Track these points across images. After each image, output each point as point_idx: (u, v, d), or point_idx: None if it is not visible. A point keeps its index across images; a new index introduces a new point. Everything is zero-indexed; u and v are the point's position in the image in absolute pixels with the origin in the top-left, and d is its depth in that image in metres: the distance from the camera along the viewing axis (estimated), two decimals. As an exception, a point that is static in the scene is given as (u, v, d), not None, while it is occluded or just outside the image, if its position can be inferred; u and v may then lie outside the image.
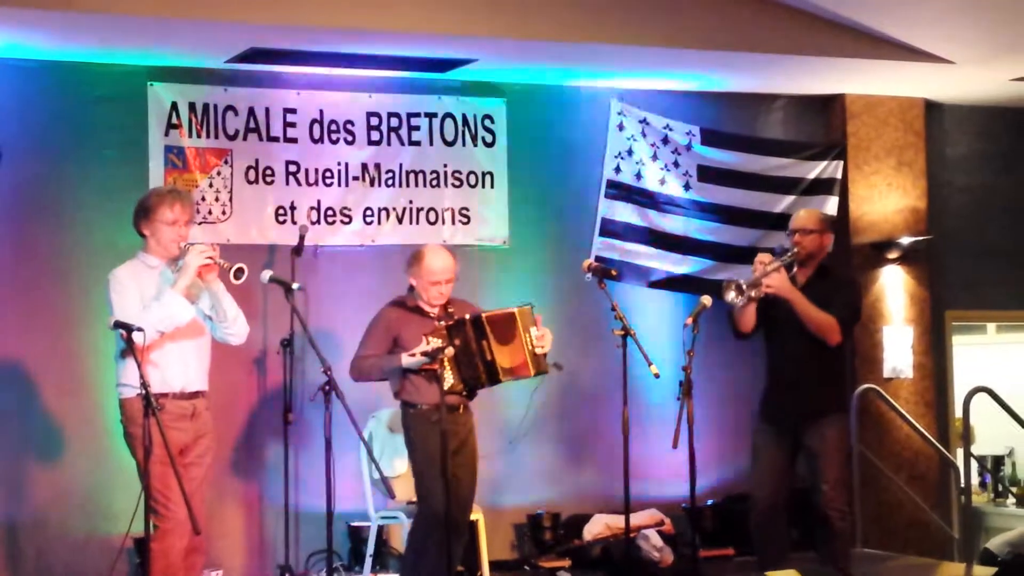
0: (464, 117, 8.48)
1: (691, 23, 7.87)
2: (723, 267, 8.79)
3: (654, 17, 7.80)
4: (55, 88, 7.63)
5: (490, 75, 8.38)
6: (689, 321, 6.42)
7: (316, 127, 8.12)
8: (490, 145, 8.53)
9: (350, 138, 8.20)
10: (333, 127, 8.17)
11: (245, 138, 7.96)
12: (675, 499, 8.32)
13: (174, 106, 7.79)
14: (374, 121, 8.27)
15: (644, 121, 8.76)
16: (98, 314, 6.85)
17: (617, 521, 7.98)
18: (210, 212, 7.85)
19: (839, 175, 9.12)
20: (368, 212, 8.21)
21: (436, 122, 8.41)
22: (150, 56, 7.64)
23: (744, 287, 6.73)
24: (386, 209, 8.25)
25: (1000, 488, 9.83)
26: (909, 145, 9.40)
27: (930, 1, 7.67)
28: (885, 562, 8.25)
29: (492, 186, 8.53)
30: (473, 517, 7.13)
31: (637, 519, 8.07)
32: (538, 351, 6.65)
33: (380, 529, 7.53)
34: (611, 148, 8.68)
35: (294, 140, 8.08)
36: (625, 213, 8.71)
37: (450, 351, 6.47)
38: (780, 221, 8.42)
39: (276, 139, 8.04)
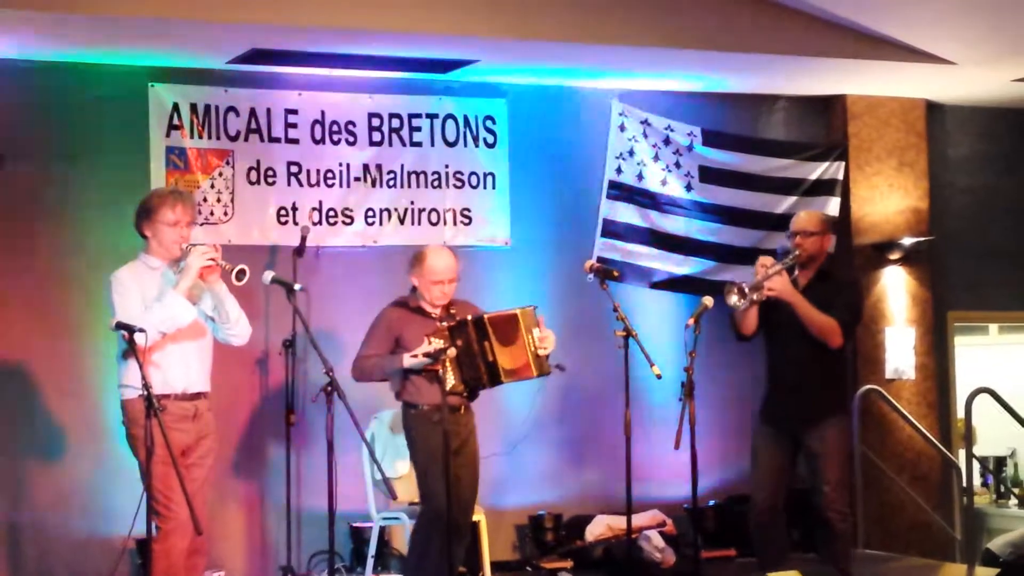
0: (465, 118, 8.48)
1: (692, 24, 7.87)
2: (725, 268, 8.79)
3: (655, 18, 7.80)
4: (56, 89, 7.63)
5: (491, 75, 8.38)
6: (691, 322, 6.42)
7: (317, 128, 8.12)
8: (491, 146, 8.53)
9: (351, 139, 8.20)
10: (334, 128, 8.17)
11: (247, 139, 7.96)
12: (677, 500, 8.32)
13: (175, 107, 7.79)
14: (375, 122, 8.27)
15: (645, 122, 8.76)
16: (100, 315, 6.86)
17: (619, 522, 7.98)
18: (212, 213, 7.85)
19: (840, 176, 9.11)
20: (370, 213, 8.21)
21: (437, 123, 8.41)
22: (151, 57, 7.64)
23: (746, 290, 6.73)
24: (387, 210, 8.25)
25: (1002, 489, 9.82)
26: (911, 146, 9.40)
27: (931, 2, 7.66)
28: (887, 563, 8.26)
29: (493, 187, 8.53)
30: (475, 518, 7.12)
31: (639, 520, 8.07)
32: (541, 352, 6.64)
33: (382, 530, 7.52)
34: (612, 149, 8.68)
35: (295, 141, 8.08)
36: (627, 214, 8.71)
37: (452, 352, 6.46)
38: (782, 222, 8.41)
39: (278, 140, 8.04)
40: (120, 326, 5.74)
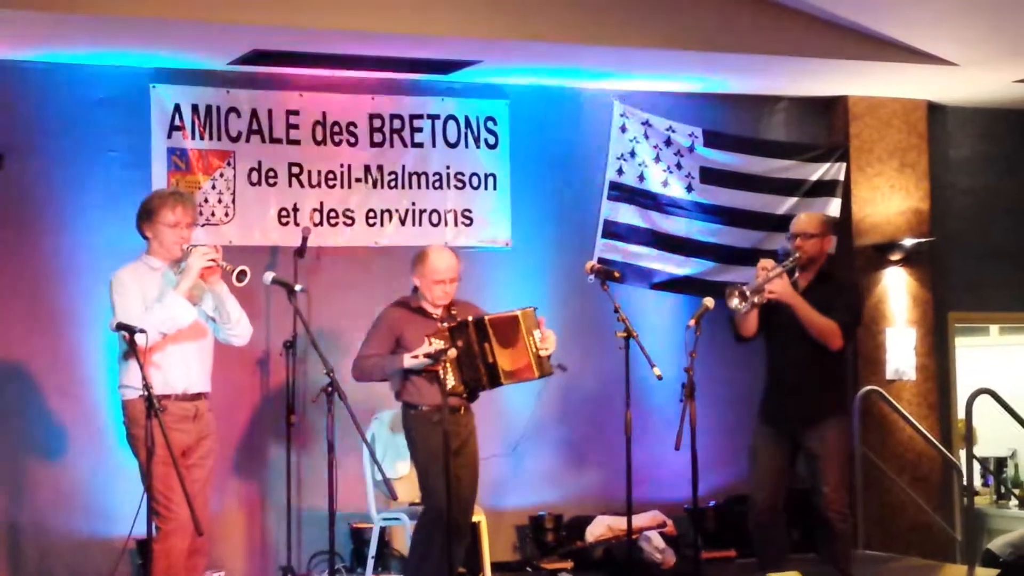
0: (467, 119, 8.48)
1: (693, 25, 7.87)
2: (726, 269, 8.79)
3: (656, 19, 7.80)
4: (58, 90, 7.63)
5: (493, 77, 8.38)
6: (692, 323, 6.43)
7: (319, 129, 8.13)
8: (493, 147, 8.54)
9: (353, 140, 8.20)
10: (336, 129, 8.17)
11: (248, 140, 7.96)
12: (677, 501, 8.32)
13: (177, 108, 7.80)
14: (377, 123, 8.27)
15: (646, 123, 8.76)
16: (100, 316, 6.86)
17: (619, 523, 7.98)
18: (213, 214, 7.86)
19: (842, 177, 9.11)
20: (371, 214, 8.22)
21: (439, 124, 8.42)
22: (153, 58, 7.65)
23: (747, 293, 6.73)
24: (389, 211, 8.26)
25: (1003, 490, 9.82)
26: (912, 147, 9.40)
27: (933, 3, 7.66)
28: (887, 564, 8.26)
29: (495, 188, 8.53)
30: (475, 519, 7.13)
31: (639, 521, 8.07)
32: (542, 353, 6.65)
33: (382, 530, 7.52)
34: (613, 150, 8.68)
35: (297, 142, 8.08)
36: (628, 215, 8.71)
37: (453, 352, 6.47)
38: (783, 223, 8.40)
39: (279, 141, 8.05)
40: (121, 327, 5.74)
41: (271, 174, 8.01)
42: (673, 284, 8.81)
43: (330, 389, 6.07)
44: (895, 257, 9.22)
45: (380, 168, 8.25)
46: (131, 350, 5.74)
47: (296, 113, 8.08)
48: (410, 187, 8.32)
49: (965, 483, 8.64)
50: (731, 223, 8.89)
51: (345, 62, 7.86)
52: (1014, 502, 9.66)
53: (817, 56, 8.17)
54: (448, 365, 6.49)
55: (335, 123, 8.17)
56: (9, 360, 7.49)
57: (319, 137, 8.12)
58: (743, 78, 8.70)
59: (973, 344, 10.26)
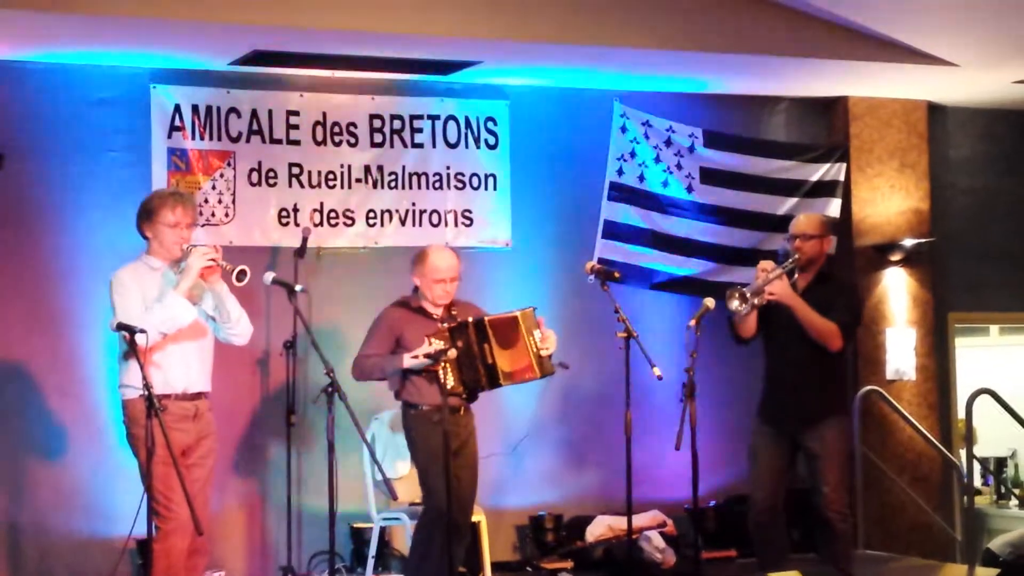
0: (467, 119, 8.48)
1: (694, 26, 7.87)
2: (726, 269, 8.79)
3: (656, 20, 7.80)
4: (58, 90, 7.63)
5: (493, 77, 8.38)
6: (692, 323, 6.44)
7: (319, 129, 8.13)
8: (493, 147, 8.54)
9: (353, 140, 8.21)
10: (336, 129, 8.17)
11: (248, 140, 7.97)
12: (677, 500, 8.32)
13: (177, 108, 7.80)
14: (377, 123, 8.27)
15: (647, 123, 8.75)
16: (100, 316, 6.87)
17: (619, 522, 7.98)
18: (213, 214, 7.86)
19: (842, 177, 9.10)
20: (371, 214, 8.22)
21: (439, 124, 8.42)
22: (153, 58, 7.65)
23: (748, 295, 6.74)
24: (389, 211, 8.26)
25: (1003, 490, 9.82)
26: (912, 147, 9.40)
27: (933, 3, 7.67)
28: (888, 564, 8.26)
29: (495, 188, 8.53)
30: (475, 518, 7.14)
31: (639, 521, 8.07)
32: (543, 353, 6.66)
33: (382, 530, 7.53)
34: (614, 150, 8.67)
35: (297, 142, 8.08)
36: (628, 215, 8.71)
37: (453, 353, 6.47)
38: (783, 223, 8.39)
39: (279, 141, 8.05)
40: (121, 327, 5.75)
41: (271, 174, 8.01)
42: (673, 284, 8.81)
43: (330, 389, 6.07)
44: (895, 257, 9.22)
45: (380, 168, 8.25)
46: (131, 350, 5.74)
47: (296, 113, 8.08)
48: (410, 187, 8.33)
49: (965, 483, 8.63)
50: (731, 223, 8.88)
51: (345, 63, 7.86)
52: (1014, 502, 9.66)
53: (817, 56, 8.17)
54: (447, 366, 6.50)
55: (335, 123, 8.17)
56: (9, 360, 7.50)
57: (319, 137, 8.13)
58: (743, 78, 8.71)
59: (973, 344, 10.26)
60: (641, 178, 8.74)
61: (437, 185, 8.39)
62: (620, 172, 8.69)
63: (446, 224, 8.39)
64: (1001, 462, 9.94)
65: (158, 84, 7.77)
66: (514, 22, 7.52)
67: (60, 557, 7.50)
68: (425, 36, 7.41)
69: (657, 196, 8.77)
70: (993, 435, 9.58)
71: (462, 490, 6.63)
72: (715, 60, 8.10)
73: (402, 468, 7.51)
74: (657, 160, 8.76)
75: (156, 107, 7.77)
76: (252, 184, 7.97)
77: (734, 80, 8.75)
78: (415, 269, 6.75)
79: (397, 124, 8.32)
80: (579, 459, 8.67)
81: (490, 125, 8.54)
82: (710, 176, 8.87)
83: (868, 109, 9.26)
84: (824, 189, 9.06)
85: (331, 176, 8.14)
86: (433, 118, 8.40)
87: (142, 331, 5.70)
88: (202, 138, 7.85)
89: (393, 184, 8.28)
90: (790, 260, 6.89)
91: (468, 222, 8.44)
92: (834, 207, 9.03)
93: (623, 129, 8.70)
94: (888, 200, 9.31)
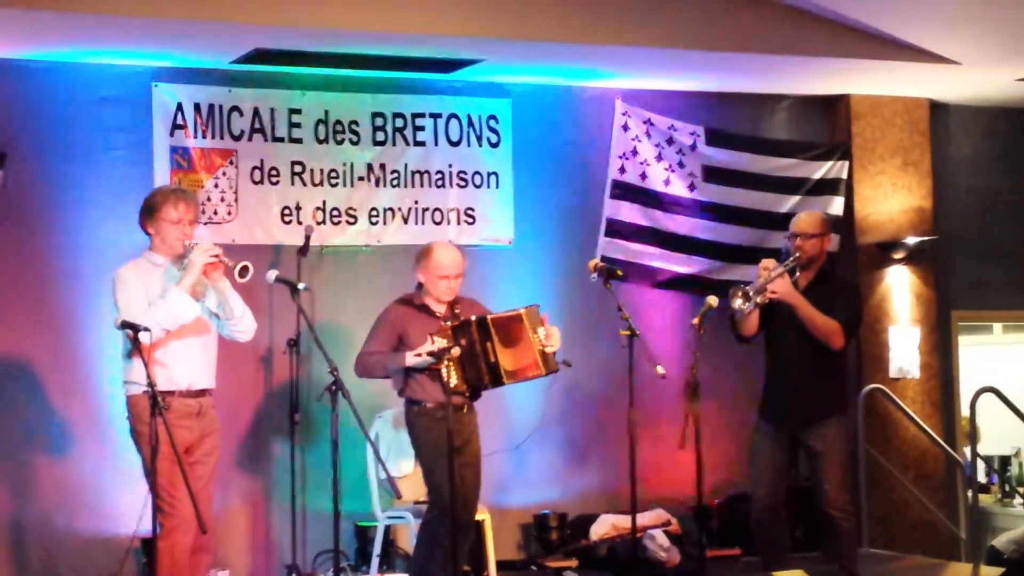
0: (469, 117, 8.48)
1: (696, 24, 7.87)
2: (728, 267, 8.79)
3: (658, 18, 7.80)
4: (60, 89, 7.63)
5: (495, 75, 8.38)
6: (695, 322, 6.44)
7: (321, 127, 8.12)
8: (495, 145, 8.53)
9: (355, 138, 8.20)
10: (338, 127, 8.17)
11: (250, 138, 7.96)
12: (682, 499, 8.32)
13: (179, 107, 7.79)
14: (379, 121, 8.27)
15: (649, 121, 8.75)
16: (103, 313, 6.86)
17: (623, 521, 7.98)
18: (215, 212, 7.85)
19: (844, 175, 9.11)
20: (373, 212, 8.21)
21: (441, 122, 8.42)
22: (155, 56, 7.65)
23: (750, 293, 6.74)
24: (391, 209, 8.25)
25: (1007, 488, 9.82)
26: (914, 145, 9.39)
27: (935, 2, 7.66)
28: (892, 562, 8.25)
29: (497, 186, 8.53)
30: (479, 517, 7.13)
31: (643, 519, 8.06)
32: (547, 350, 6.66)
33: (387, 529, 7.53)
34: (616, 148, 8.68)
35: (299, 140, 8.08)
36: (630, 213, 8.71)
37: (456, 351, 6.46)
38: (785, 221, 8.34)
39: (281, 139, 8.04)
40: (126, 325, 5.74)
41: (273, 172, 8.01)
42: (676, 282, 8.81)
43: (334, 387, 6.07)
44: (898, 255, 9.22)
45: (383, 167, 8.25)
46: (135, 347, 5.73)
47: (298, 112, 8.08)
48: (413, 186, 8.32)
49: (969, 481, 8.63)
50: (734, 221, 8.89)
51: (347, 61, 7.86)
52: (1018, 500, 9.67)
53: (819, 55, 8.17)
54: (450, 364, 6.49)
55: (337, 122, 8.16)
56: (12, 358, 7.49)
57: (321, 136, 8.12)
58: (746, 77, 8.70)
59: (976, 342, 10.26)
60: (643, 176, 8.74)
61: (439, 183, 8.39)
62: (622, 170, 8.70)
63: (448, 222, 8.38)
64: (1005, 460, 9.95)
65: (160, 82, 7.76)
66: (516, 21, 7.52)
67: (64, 556, 7.49)
68: (427, 35, 7.41)
69: (659, 194, 8.78)
70: (997, 433, 9.56)
71: (466, 488, 6.62)
72: (718, 59, 8.09)
73: (406, 466, 7.51)
74: (659, 158, 8.76)
75: (158, 105, 7.76)
76: (254, 182, 7.97)
77: (736, 78, 8.74)
78: (419, 265, 6.75)
79: (399, 122, 8.31)
80: (583, 457, 8.66)
81: (492, 123, 8.53)
82: (712, 174, 8.87)
83: (870, 107, 9.26)
84: (826, 187, 9.07)
85: (333, 174, 8.14)
86: (435, 116, 8.39)
87: (146, 329, 5.70)
88: (204, 136, 7.84)
89: (395, 182, 8.28)
90: (791, 258, 6.89)
91: (470, 220, 8.44)
92: (836, 205, 9.03)
93: (625, 127, 8.71)
94: (891, 198, 9.30)
